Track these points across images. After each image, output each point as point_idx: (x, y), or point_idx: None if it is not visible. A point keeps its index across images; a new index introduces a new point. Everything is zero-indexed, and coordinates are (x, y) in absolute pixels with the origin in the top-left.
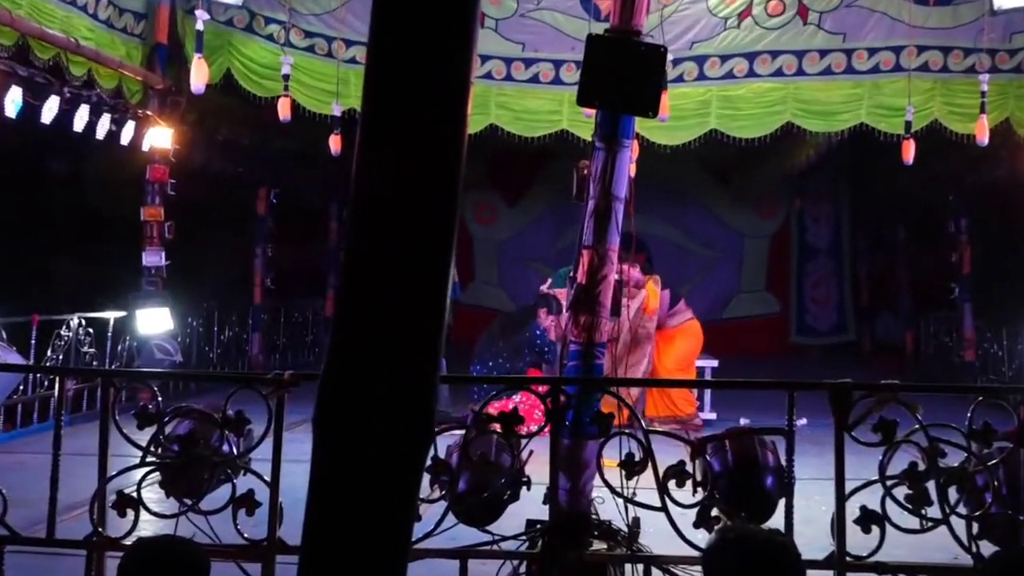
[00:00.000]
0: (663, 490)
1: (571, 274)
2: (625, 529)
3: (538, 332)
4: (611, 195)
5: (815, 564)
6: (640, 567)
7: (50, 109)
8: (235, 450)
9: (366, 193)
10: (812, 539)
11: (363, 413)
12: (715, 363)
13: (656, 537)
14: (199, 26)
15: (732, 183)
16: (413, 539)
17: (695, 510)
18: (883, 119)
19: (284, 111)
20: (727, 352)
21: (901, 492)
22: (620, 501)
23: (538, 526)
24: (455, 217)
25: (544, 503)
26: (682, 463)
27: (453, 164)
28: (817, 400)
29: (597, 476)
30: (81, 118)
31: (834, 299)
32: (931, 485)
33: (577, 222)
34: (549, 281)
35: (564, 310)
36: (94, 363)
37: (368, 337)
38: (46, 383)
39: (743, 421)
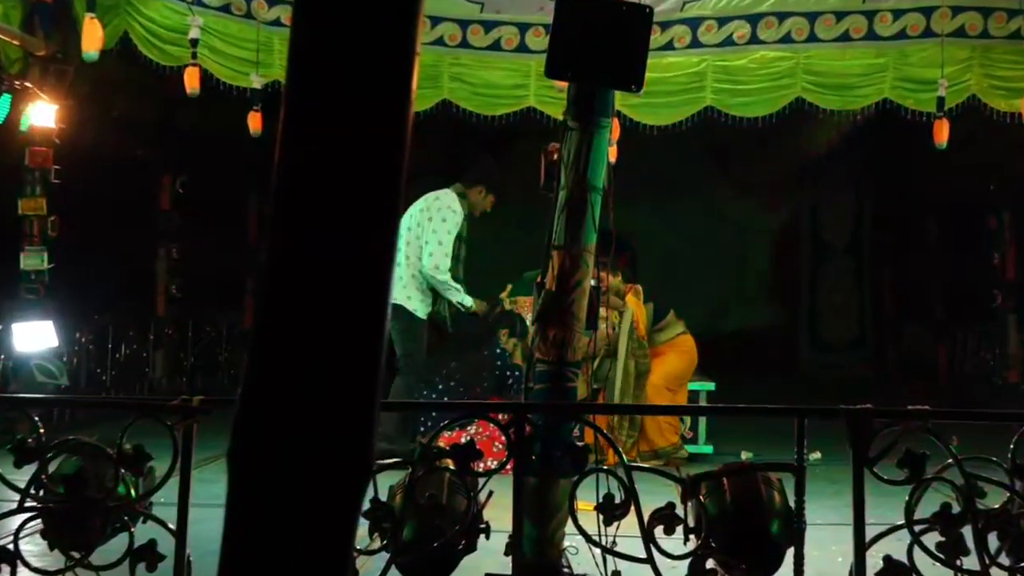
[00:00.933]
0: (649, 538)
1: (538, 279)
2: None
3: (498, 351)
4: (586, 184)
5: None
6: None
7: None
8: (133, 492)
9: (291, 183)
10: None
11: (288, 446)
12: (711, 385)
13: None
14: None
15: (731, 171)
16: None
17: (687, 562)
18: (911, 94)
19: (192, 83)
20: (726, 372)
21: (932, 539)
22: (598, 551)
23: None
24: (397, 212)
25: (506, 554)
26: (671, 506)
27: (396, 148)
28: (832, 430)
29: (570, 521)
30: None
31: (853, 308)
32: (967, 531)
33: (546, 217)
34: (509, 288)
35: (529, 323)
36: None
37: (293, 356)
38: None
39: (744, 455)
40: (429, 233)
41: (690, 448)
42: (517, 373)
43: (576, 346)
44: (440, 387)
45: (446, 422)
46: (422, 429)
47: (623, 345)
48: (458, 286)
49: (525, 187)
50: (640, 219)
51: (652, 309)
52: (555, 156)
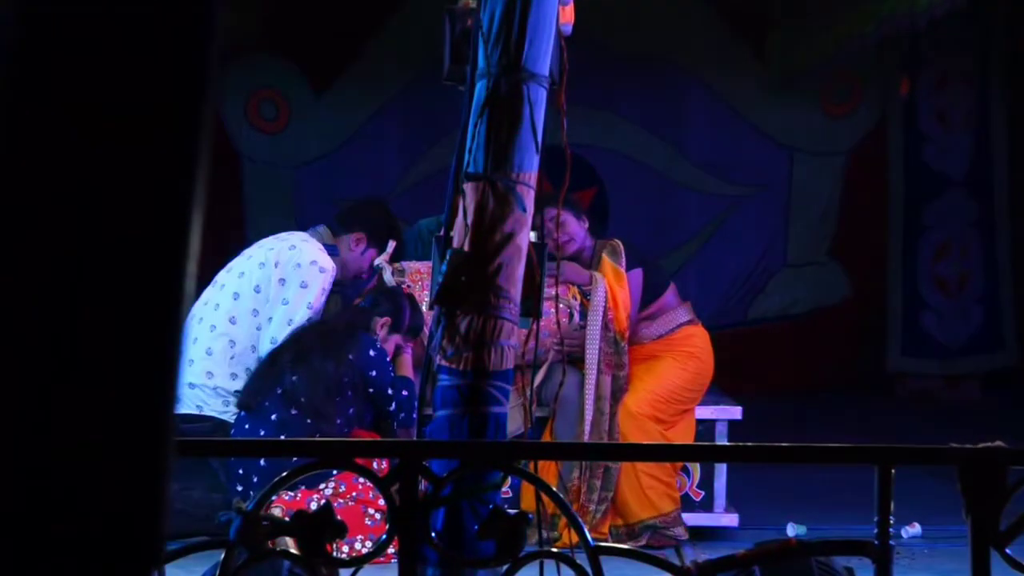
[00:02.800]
0: None
1: (440, 232)
2: None
3: (372, 354)
4: (520, 71)
5: None
6: None
7: None
8: None
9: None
10: None
11: (20, 526)
12: (735, 411)
13: None
14: None
15: (772, 50)
16: None
17: None
18: None
19: None
20: (760, 388)
21: None
22: None
23: None
24: (201, 124)
25: None
26: None
27: (195, 13)
28: (939, 485)
29: None
30: None
31: (978, 281)
32: None
33: (452, 128)
34: (391, 247)
35: (426, 306)
36: None
37: (23, 383)
38: None
39: (792, 530)
40: (277, 305)
41: (697, 518)
42: (405, 393)
43: (504, 343)
44: (272, 416)
45: (283, 475)
46: (240, 487)
47: (592, 345)
48: None
49: (418, 76)
50: (619, 131)
51: (639, 283)
52: (469, 22)
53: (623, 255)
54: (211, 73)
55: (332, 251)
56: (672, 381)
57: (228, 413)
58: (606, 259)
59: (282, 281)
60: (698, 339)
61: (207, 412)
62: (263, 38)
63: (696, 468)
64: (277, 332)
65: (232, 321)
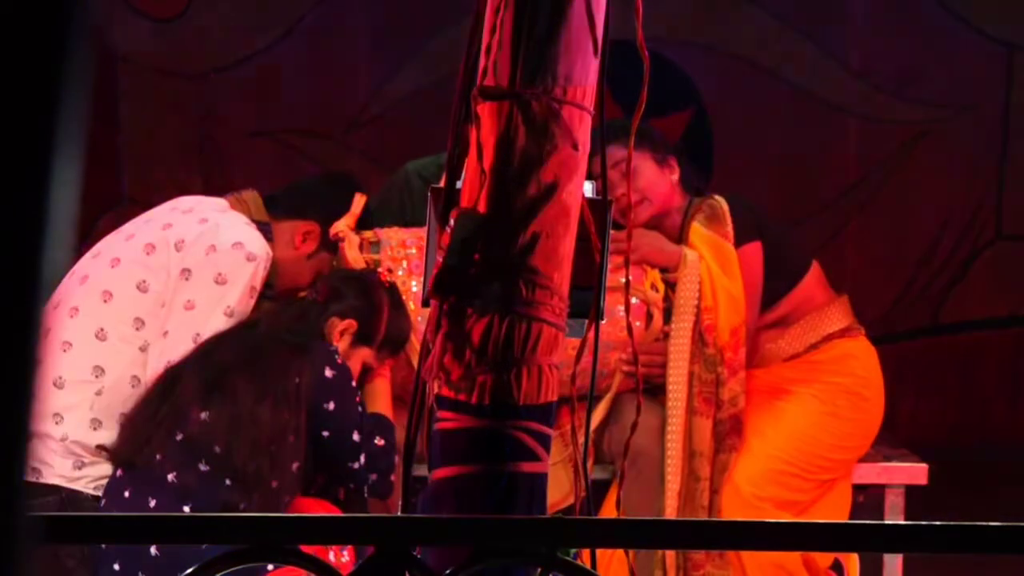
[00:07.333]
0: None
1: (438, 182)
2: None
3: (329, 376)
4: None
5: None
6: None
7: None
8: None
9: None
10: None
11: None
12: (919, 472)
13: None
14: None
15: None
16: None
17: None
18: None
19: None
20: (957, 435)
21: None
22: None
23: None
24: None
25: None
26: None
27: None
28: None
29: None
30: None
31: None
32: None
33: (458, 15)
34: (360, 203)
35: (422, 301)
36: None
37: None
38: None
39: None
40: (176, 312)
41: None
42: (380, 441)
43: (547, 366)
44: (169, 477)
45: (188, 573)
46: None
47: (679, 366)
48: None
49: None
50: (725, 19)
51: (757, 266)
52: None
53: (728, 220)
54: None
55: (265, 231)
56: (812, 435)
57: (84, 480)
58: (697, 227)
59: (186, 273)
60: (859, 361)
61: (49, 479)
62: None
63: (854, 564)
64: (176, 353)
65: (99, 336)
